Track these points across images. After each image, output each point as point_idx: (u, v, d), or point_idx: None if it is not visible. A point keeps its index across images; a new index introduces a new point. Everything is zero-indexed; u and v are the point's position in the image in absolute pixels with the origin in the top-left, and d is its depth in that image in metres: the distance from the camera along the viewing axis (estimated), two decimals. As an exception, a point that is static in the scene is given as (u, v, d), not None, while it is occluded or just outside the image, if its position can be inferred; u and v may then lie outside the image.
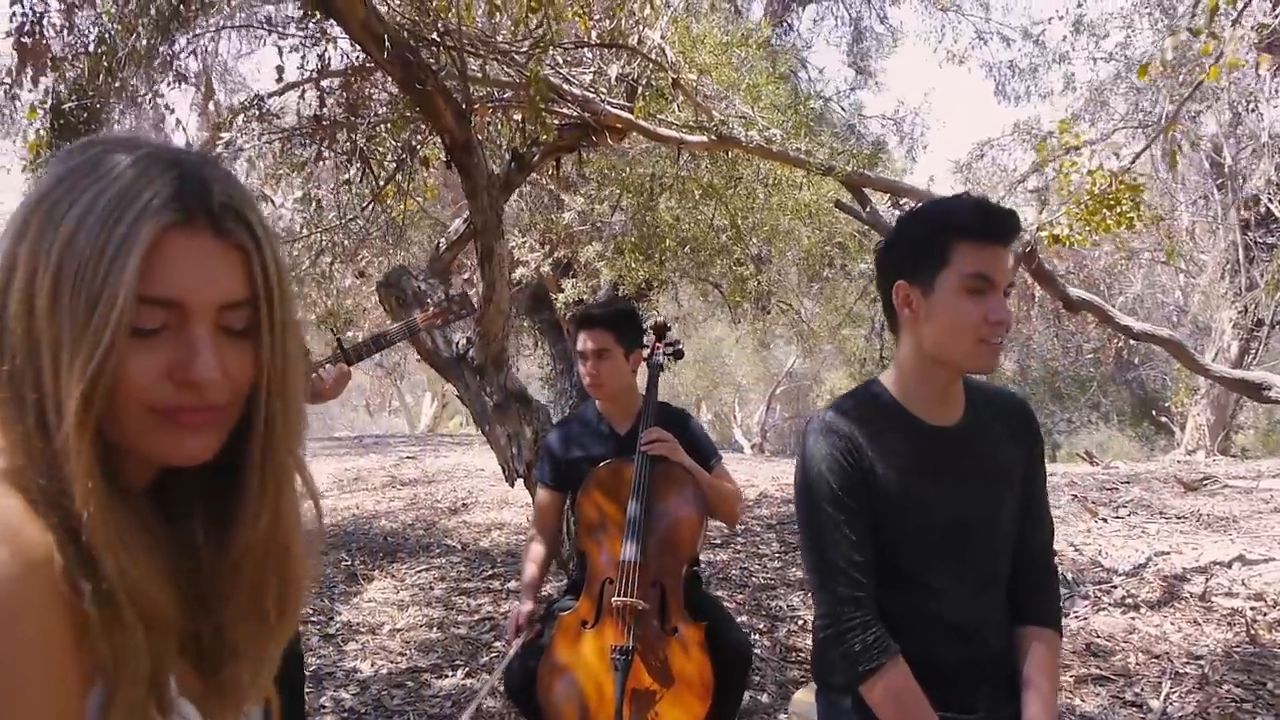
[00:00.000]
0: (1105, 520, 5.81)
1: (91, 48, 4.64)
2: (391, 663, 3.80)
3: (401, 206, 5.78)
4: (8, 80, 4.07)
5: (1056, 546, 5.65)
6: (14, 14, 3.72)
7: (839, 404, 1.66)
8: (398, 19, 3.64)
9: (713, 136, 4.92)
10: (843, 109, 13.46)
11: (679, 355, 3.06)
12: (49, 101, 4.66)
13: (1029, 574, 1.69)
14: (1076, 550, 5.08)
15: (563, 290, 8.45)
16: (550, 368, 14.79)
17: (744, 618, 4.24)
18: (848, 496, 1.55)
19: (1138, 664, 3.55)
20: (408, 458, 10.47)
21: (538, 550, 2.79)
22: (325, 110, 5.19)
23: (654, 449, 2.63)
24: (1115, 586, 4.46)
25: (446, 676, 3.67)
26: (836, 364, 19.10)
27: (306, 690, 3.54)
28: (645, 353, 2.93)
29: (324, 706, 3.40)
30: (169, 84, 5.25)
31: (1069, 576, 4.56)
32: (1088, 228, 4.15)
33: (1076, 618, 4.09)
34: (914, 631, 1.57)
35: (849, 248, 7.51)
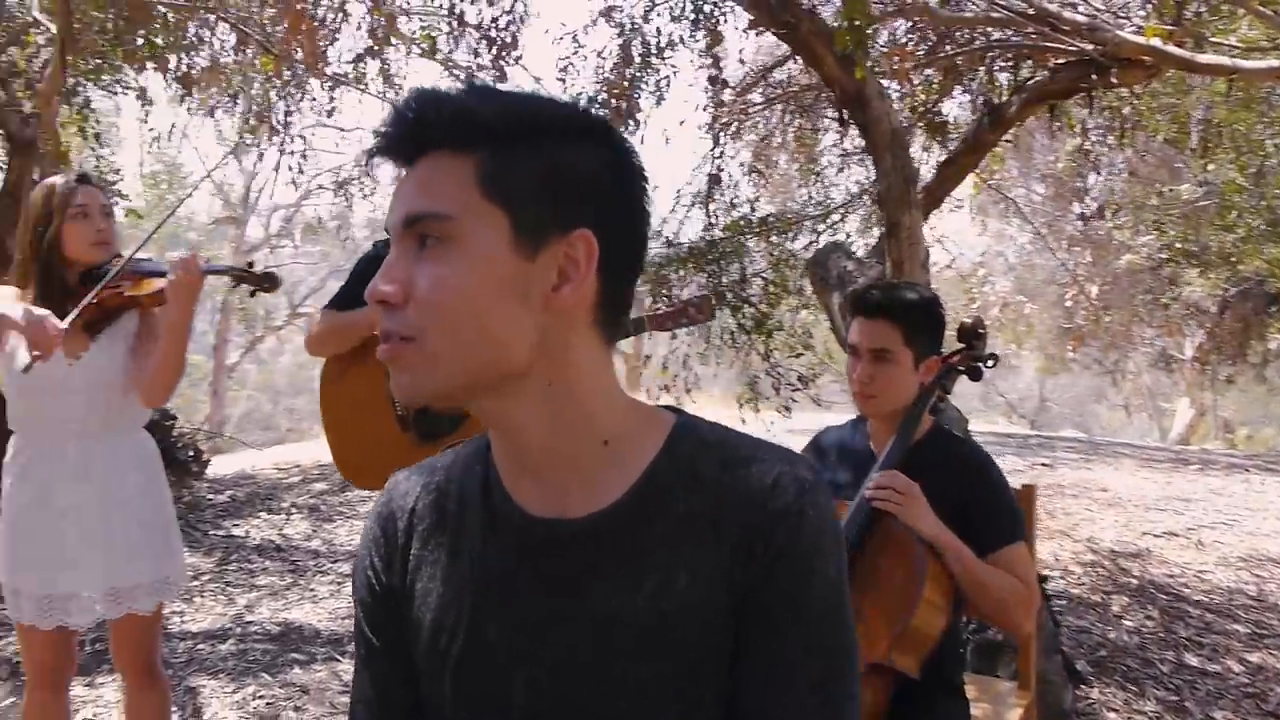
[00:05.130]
0: None
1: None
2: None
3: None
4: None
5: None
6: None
7: (431, 459, 0.89)
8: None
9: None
10: None
11: (976, 376, 2.08)
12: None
13: None
14: None
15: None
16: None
17: None
18: (370, 626, 0.86)
19: None
20: (1043, 464, 9.07)
21: None
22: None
23: (882, 500, 1.82)
24: None
25: None
26: None
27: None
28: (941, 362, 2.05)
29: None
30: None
31: None
32: None
33: None
34: None
35: None
